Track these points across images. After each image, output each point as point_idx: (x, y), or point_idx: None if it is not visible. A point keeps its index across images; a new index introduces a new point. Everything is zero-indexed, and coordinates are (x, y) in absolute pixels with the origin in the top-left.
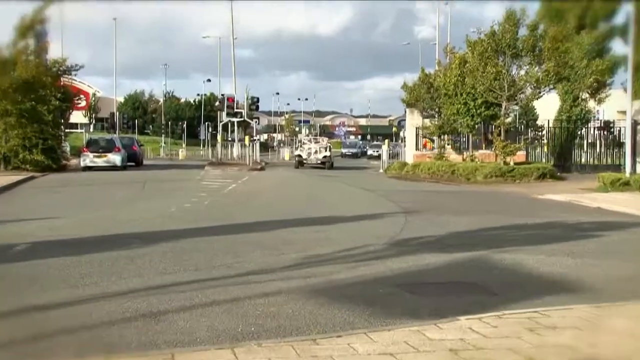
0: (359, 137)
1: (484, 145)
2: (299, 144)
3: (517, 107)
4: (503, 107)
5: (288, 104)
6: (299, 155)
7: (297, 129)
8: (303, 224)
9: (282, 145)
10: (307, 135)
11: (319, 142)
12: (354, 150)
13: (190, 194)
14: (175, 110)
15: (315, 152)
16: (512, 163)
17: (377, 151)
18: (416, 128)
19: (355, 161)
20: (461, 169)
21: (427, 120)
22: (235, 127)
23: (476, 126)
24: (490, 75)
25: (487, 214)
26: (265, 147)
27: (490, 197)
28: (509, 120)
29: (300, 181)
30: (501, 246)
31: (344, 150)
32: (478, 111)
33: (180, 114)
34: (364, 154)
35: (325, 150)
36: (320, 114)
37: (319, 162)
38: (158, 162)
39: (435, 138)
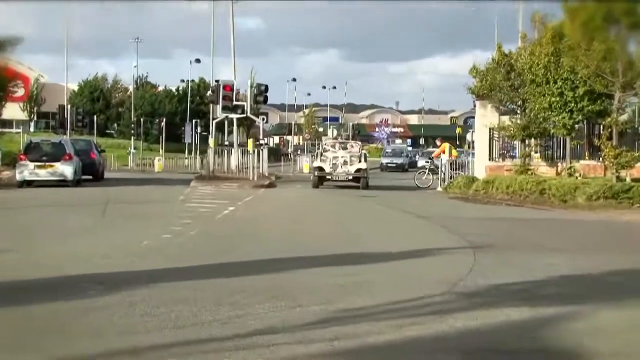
0: (408, 140)
1: (587, 154)
2: (320, 150)
3: (636, 100)
4: (616, 99)
5: (309, 95)
6: (319, 168)
7: (320, 129)
8: (328, 263)
9: (299, 152)
10: (335, 138)
11: (348, 148)
12: (399, 161)
13: (170, 221)
14: (151, 103)
15: (345, 162)
16: (628, 179)
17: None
18: (490, 129)
19: (400, 175)
20: (554, 187)
21: (505, 118)
22: (235, 127)
23: (576, 126)
24: (598, 54)
25: (594, 252)
26: (276, 154)
27: (597, 227)
28: (624, 117)
29: (324, 203)
30: (614, 299)
31: (384, 161)
32: (579, 105)
33: (158, 108)
34: (412, 165)
35: (359, 161)
36: (354, 108)
37: (349, 177)
38: (125, 175)
39: (517, 143)
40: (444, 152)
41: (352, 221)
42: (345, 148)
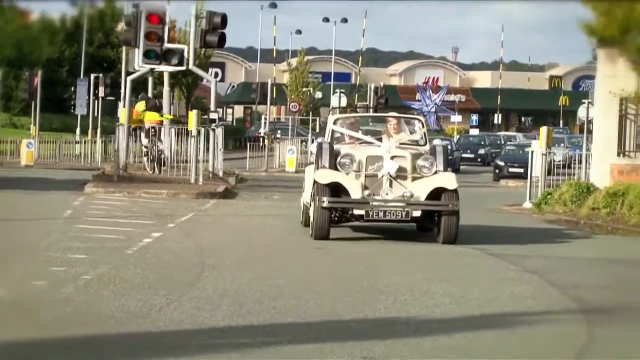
0: (473, 117)
1: None
2: (326, 136)
3: None
4: None
5: (299, 33)
6: (332, 188)
7: (318, 94)
8: (334, 336)
9: (279, 134)
10: (353, 108)
11: (399, 131)
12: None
13: (46, 256)
14: (16, 43)
15: (401, 174)
16: None
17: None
18: (621, 100)
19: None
20: None
21: None
22: (166, 89)
23: None
24: None
25: None
26: (238, 138)
27: None
28: None
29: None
30: None
31: None
32: None
33: (29, 53)
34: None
35: (434, 167)
36: (378, 58)
37: (414, 214)
38: None
39: None
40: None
41: (375, 261)
42: (391, 132)
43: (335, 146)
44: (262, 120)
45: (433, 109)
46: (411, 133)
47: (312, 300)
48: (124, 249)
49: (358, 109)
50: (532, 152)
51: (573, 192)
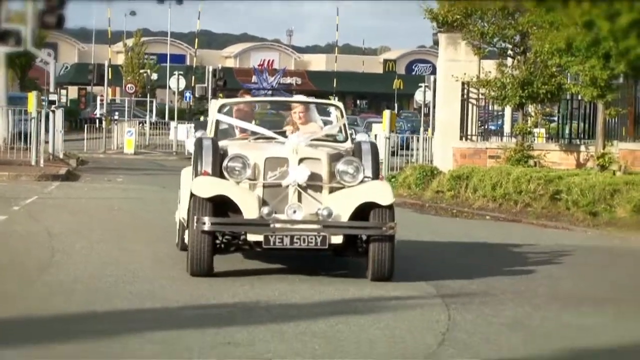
0: (311, 100)
1: (632, 131)
2: (210, 128)
3: None
4: None
5: (133, 14)
6: (212, 204)
7: (154, 76)
8: (194, 322)
9: (117, 116)
10: (247, 92)
11: (312, 120)
12: None
13: None
14: None
15: (313, 180)
16: None
17: None
18: (462, 84)
19: None
20: (576, 190)
21: (488, 66)
22: (2, 69)
23: (614, 83)
24: None
25: None
26: (74, 119)
27: None
28: None
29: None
30: None
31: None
32: (621, 46)
33: None
34: None
35: (359, 171)
36: (212, 41)
37: (332, 240)
38: None
39: (509, 110)
40: None
41: None
42: (297, 123)
43: (222, 143)
44: (98, 102)
45: (270, 92)
46: (325, 124)
47: (168, 286)
48: None
49: (197, 94)
50: (376, 135)
51: (417, 176)
